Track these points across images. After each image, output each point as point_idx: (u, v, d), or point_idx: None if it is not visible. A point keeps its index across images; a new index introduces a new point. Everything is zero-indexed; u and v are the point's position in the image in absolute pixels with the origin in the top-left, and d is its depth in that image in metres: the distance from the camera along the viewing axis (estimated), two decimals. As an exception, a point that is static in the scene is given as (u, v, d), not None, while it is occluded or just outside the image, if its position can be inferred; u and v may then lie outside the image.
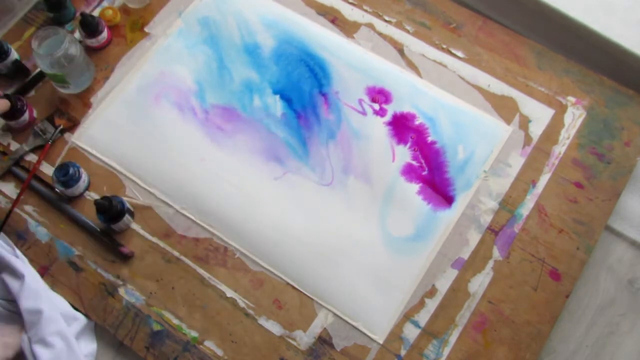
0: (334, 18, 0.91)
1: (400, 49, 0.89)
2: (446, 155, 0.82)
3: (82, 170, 0.80)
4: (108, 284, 0.77)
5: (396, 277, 0.76)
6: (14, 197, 0.81)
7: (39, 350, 0.68)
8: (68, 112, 0.86)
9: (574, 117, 0.84)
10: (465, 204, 0.79)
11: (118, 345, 0.75)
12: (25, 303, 0.70)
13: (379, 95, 0.85)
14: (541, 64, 0.87)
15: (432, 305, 0.74)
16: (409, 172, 0.81)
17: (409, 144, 0.82)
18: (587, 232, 0.77)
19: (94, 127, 0.85)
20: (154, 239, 0.79)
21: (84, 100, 0.87)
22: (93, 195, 0.81)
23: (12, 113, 0.81)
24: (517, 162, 0.81)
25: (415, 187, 0.80)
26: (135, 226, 0.79)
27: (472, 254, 0.77)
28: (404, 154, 0.82)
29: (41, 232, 0.79)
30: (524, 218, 0.78)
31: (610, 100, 0.85)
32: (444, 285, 0.75)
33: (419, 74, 0.87)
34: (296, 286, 0.76)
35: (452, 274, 0.76)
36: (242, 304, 0.75)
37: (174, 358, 0.73)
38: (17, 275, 0.72)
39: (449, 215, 0.78)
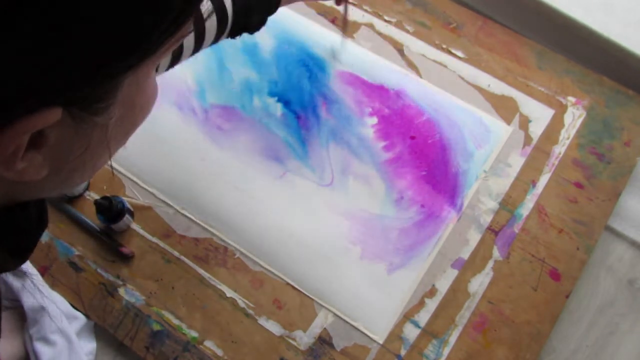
0: (334, 18, 0.91)
1: (400, 49, 0.89)
2: (447, 155, 0.82)
3: (82, 170, 0.80)
4: (108, 284, 0.77)
5: (396, 277, 0.76)
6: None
7: (41, 347, 0.68)
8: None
9: (574, 117, 0.84)
10: (465, 204, 0.79)
11: (118, 345, 0.75)
12: (28, 300, 0.70)
13: (379, 95, 0.85)
14: (541, 64, 0.87)
15: (432, 305, 0.74)
16: (409, 172, 0.81)
17: (408, 144, 0.82)
18: (587, 232, 0.77)
19: (94, 127, 0.85)
20: (154, 239, 0.79)
21: (84, 100, 0.87)
22: (93, 195, 0.81)
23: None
24: (517, 162, 0.81)
25: (415, 187, 0.80)
26: (135, 226, 0.79)
27: (472, 254, 0.76)
28: (404, 154, 0.82)
29: (41, 232, 0.79)
30: (524, 218, 0.78)
31: (610, 100, 0.85)
32: (444, 285, 0.75)
33: (419, 74, 0.87)
34: (296, 286, 0.76)
35: (452, 274, 0.76)
36: (242, 304, 0.75)
37: (174, 358, 0.73)
38: (19, 273, 0.72)
39: (449, 215, 0.78)
